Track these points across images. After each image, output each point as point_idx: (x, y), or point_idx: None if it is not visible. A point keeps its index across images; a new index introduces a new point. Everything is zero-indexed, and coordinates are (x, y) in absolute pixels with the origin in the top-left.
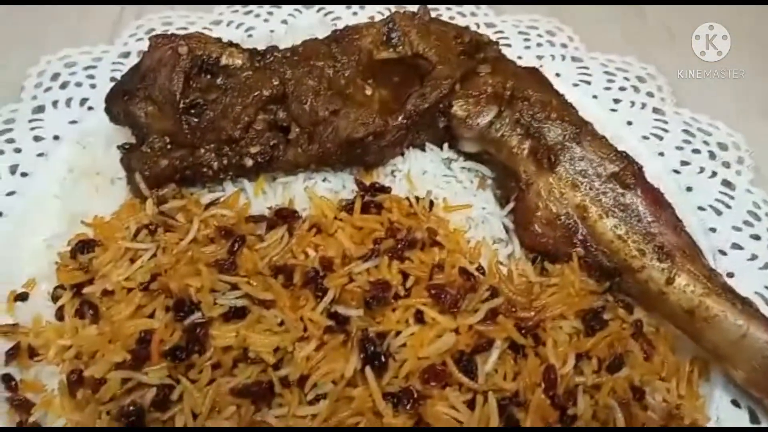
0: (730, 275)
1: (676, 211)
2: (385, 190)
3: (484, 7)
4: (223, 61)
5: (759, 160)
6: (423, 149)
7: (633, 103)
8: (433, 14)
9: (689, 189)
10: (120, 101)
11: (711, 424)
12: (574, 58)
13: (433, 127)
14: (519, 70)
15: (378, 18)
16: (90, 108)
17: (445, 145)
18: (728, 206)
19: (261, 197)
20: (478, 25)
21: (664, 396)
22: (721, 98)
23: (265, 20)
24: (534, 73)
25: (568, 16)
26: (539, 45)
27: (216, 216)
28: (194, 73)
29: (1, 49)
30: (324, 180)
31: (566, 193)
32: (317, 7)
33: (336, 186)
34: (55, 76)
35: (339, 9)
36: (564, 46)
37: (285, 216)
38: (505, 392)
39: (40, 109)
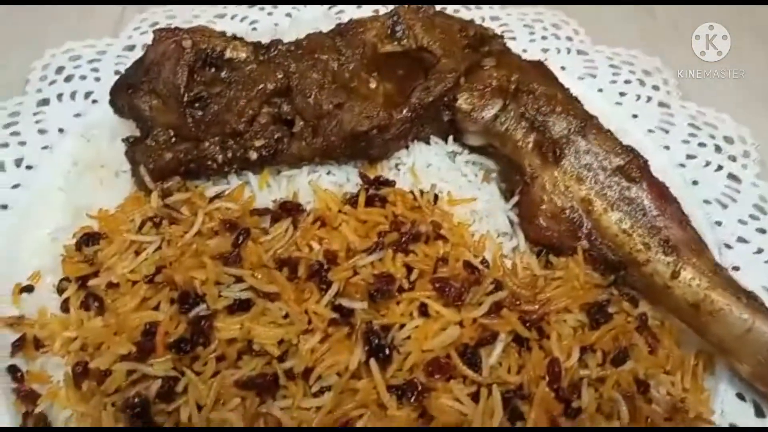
0: (736, 269)
1: (681, 204)
2: (390, 183)
3: None
4: (227, 54)
5: (765, 154)
6: (427, 142)
7: (638, 97)
8: (438, 7)
9: (695, 182)
10: (124, 94)
11: (715, 418)
12: (579, 52)
13: (438, 120)
14: (524, 63)
15: (382, 11)
16: (94, 101)
17: (450, 139)
18: (734, 200)
19: (265, 190)
20: (483, 18)
21: (669, 389)
22: (727, 91)
23: (269, 13)
24: (539, 66)
25: (573, 9)
26: (544, 38)
27: (220, 209)
28: (198, 66)
29: (2, 49)
30: (328, 173)
31: (571, 186)
32: None
33: (340, 179)
34: (60, 70)
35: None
36: (569, 39)
37: (289, 209)
38: (510, 385)
39: (44, 102)
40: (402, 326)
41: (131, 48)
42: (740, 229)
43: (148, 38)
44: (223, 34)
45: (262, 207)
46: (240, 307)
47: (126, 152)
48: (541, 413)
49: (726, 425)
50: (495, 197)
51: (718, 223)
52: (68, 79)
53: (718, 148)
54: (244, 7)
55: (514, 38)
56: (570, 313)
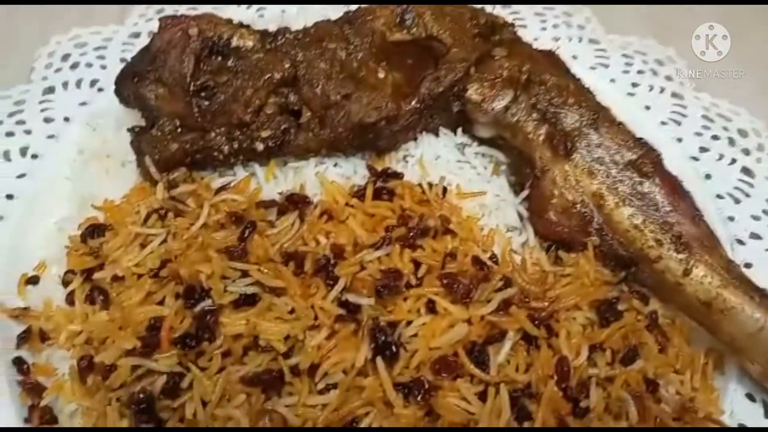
0: (748, 265)
1: (694, 199)
2: (398, 175)
3: None
4: (234, 42)
5: None
6: (436, 134)
7: (651, 87)
8: None
9: (708, 176)
10: (130, 83)
11: (725, 418)
12: (591, 40)
13: (447, 111)
14: (535, 53)
15: None
16: (100, 89)
17: (459, 130)
18: (747, 195)
19: (272, 182)
20: (493, 6)
21: (678, 388)
22: (741, 83)
23: None
24: (550, 56)
25: None
26: (555, 26)
27: (227, 201)
28: (205, 55)
29: (7, 36)
30: (335, 165)
31: (582, 180)
32: None
33: (347, 171)
34: (66, 57)
35: None
36: (581, 27)
37: (296, 202)
38: (517, 384)
39: (50, 90)
40: (409, 323)
41: (137, 35)
42: (753, 224)
43: (154, 25)
44: (229, 21)
45: (268, 199)
46: (246, 301)
47: (132, 142)
48: (548, 413)
49: (735, 425)
50: (504, 191)
51: (731, 219)
52: (74, 66)
53: (731, 141)
54: None
55: (524, 26)
56: (579, 311)
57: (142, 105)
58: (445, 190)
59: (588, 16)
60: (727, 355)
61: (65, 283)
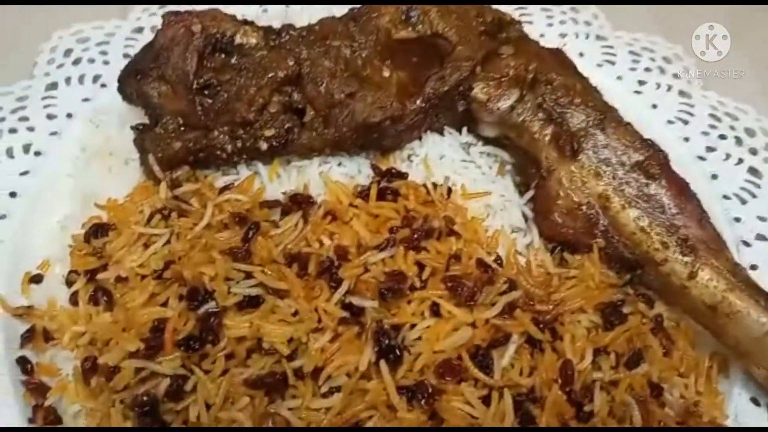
0: (754, 267)
1: (700, 200)
2: (402, 175)
3: None
4: (238, 39)
5: None
6: (441, 133)
7: (658, 85)
8: None
9: (714, 177)
10: (133, 81)
11: (729, 422)
12: (598, 37)
13: (452, 110)
14: (542, 51)
15: None
16: (103, 85)
17: (464, 129)
18: (754, 195)
19: (275, 181)
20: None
21: (682, 392)
22: (749, 81)
23: None
24: (557, 54)
25: None
26: (562, 22)
27: (230, 201)
28: (208, 52)
29: (9, 31)
30: (339, 164)
31: (588, 181)
32: None
33: (351, 171)
34: (68, 52)
35: None
36: (588, 23)
37: (300, 202)
38: (521, 388)
39: (53, 86)
40: (413, 326)
41: (140, 30)
42: (759, 225)
43: (157, 20)
44: (233, 17)
45: (272, 198)
46: (249, 303)
47: (135, 140)
48: (552, 417)
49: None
50: (510, 191)
51: (737, 219)
52: (76, 62)
53: (738, 141)
54: None
55: (531, 22)
56: (584, 314)
57: (145, 103)
58: (449, 190)
59: (595, 13)
60: (732, 358)
61: (69, 283)
